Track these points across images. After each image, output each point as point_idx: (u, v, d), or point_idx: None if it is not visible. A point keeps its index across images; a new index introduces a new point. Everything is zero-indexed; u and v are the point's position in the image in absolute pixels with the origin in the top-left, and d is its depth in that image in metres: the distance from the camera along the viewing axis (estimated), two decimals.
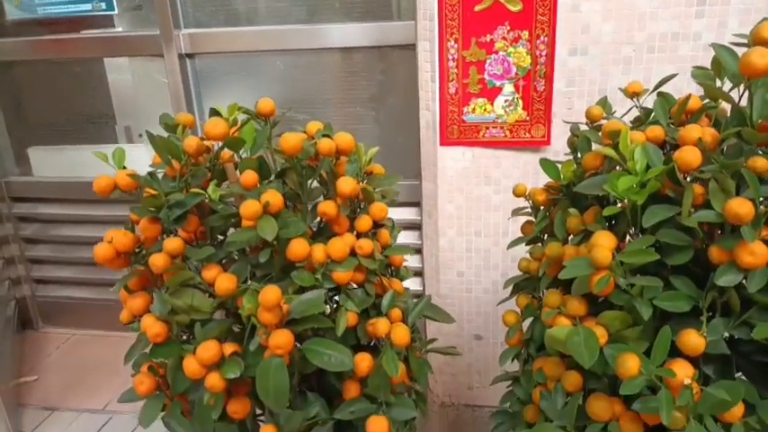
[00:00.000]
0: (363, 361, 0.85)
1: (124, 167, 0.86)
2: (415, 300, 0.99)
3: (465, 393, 1.73)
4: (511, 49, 1.36)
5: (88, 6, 2.10)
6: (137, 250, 0.87)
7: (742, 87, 0.72)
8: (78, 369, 2.28)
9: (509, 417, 1.06)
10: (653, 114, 0.82)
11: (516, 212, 0.98)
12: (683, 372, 0.67)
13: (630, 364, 0.68)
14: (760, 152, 0.70)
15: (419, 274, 1.81)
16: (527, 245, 0.98)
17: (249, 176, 0.79)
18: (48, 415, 2.02)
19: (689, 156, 0.68)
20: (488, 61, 1.38)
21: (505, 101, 1.42)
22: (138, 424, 1.84)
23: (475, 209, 1.54)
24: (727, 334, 0.72)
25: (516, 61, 1.37)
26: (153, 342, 0.80)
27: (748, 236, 0.64)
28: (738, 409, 0.70)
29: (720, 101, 0.78)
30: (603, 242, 0.72)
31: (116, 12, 2.11)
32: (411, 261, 1.98)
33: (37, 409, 2.05)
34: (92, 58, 2.21)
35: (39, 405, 2.07)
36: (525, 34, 1.34)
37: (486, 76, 1.40)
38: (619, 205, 0.74)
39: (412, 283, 1.78)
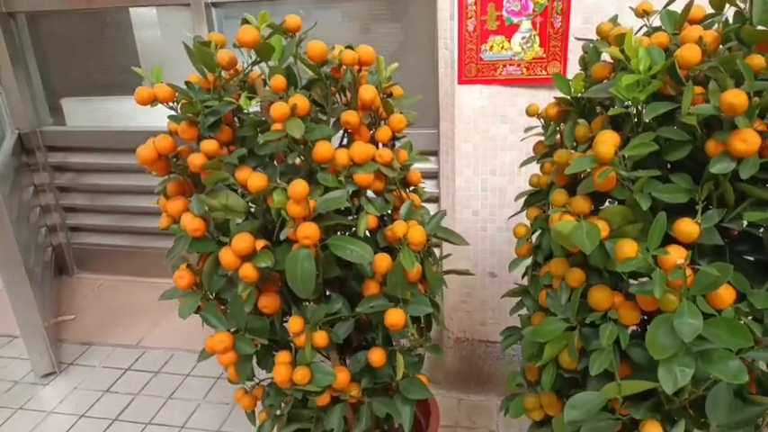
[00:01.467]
0: (383, 259, 0.92)
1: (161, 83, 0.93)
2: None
3: (479, 329, 1.80)
4: None
5: None
6: (174, 159, 0.94)
7: None
8: (111, 310, 2.41)
9: (516, 330, 1.13)
10: (660, 27, 0.86)
11: (528, 130, 1.03)
12: (676, 253, 0.72)
13: (627, 248, 0.74)
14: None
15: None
16: (538, 162, 1.03)
17: (278, 81, 0.85)
18: (85, 349, 2.15)
19: (689, 53, 0.72)
20: None
21: (523, 38, 1.45)
22: (168, 359, 1.95)
23: (491, 148, 1.59)
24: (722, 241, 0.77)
25: None
26: (192, 236, 0.88)
27: (741, 123, 0.68)
28: (729, 295, 0.75)
29: (725, 10, 0.81)
30: (607, 139, 0.77)
31: None
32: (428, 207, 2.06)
33: (75, 344, 2.19)
34: (120, 8, 2.28)
35: (77, 341, 2.21)
36: None
37: (504, 13, 1.44)
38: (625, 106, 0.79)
39: None
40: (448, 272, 1.21)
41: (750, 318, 0.78)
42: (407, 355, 1.15)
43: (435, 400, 1.31)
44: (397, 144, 1.09)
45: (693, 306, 0.72)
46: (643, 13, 0.95)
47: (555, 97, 0.95)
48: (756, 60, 0.72)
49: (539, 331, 0.89)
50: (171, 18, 2.21)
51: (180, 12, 2.16)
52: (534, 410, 1.03)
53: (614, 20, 0.95)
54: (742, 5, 0.77)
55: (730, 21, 0.80)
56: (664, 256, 0.72)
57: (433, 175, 2.00)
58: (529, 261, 1.07)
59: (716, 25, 0.81)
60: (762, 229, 0.78)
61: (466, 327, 1.81)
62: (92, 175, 2.59)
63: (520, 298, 1.10)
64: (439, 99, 1.65)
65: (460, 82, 1.54)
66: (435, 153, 1.92)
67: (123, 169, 2.49)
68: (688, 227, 0.74)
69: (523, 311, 1.09)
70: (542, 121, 1.01)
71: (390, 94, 1.04)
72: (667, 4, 0.90)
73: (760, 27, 0.74)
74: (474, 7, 1.44)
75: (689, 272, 0.73)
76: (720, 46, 0.78)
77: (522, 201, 1.06)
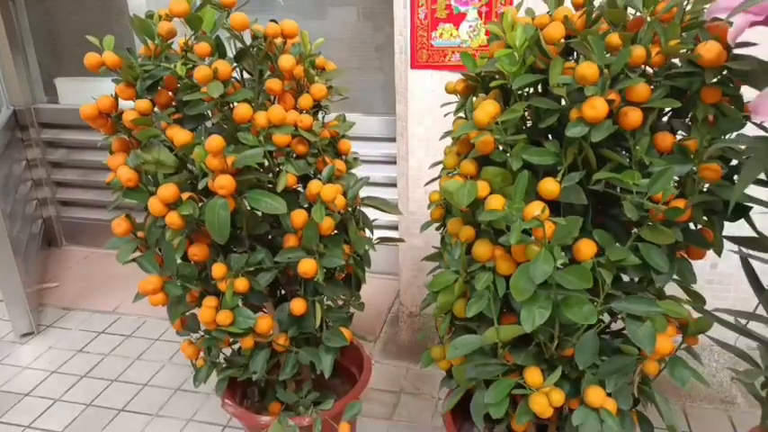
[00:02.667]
0: (299, 215, 1.02)
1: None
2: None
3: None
4: None
5: None
6: (118, 119, 1.05)
7: None
8: (94, 280, 2.53)
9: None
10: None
11: (444, 105, 1.13)
12: (536, 207, 0.81)
13: (495, 202, 0.84)
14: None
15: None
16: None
17: (202, 47, 0.95)
18: (65, 314, 2.27)
19: (552, 30, 0.82)
20: None
21: (470, 26, 1.54)
22: (141, 324, 2.06)
23: (441, 130, 1.68)
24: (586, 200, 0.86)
25: None
26: (125, 186, 0.98)
27: (590, 91, 0.78)
28: (589, 249, 0.85)
29: None
30: (485, 107, 0.86)
31: None
32: (389, 193, 2.16)
33: (56, 309, 2.31)
34: None
35: (58, 306, 2.33)
36: None
37: (452, 2, 1.53)
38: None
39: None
40: (381, 240, 1.31)
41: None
42: (338, 311, 1.25)
43: (369, 356, 1.41)
44: (331, 117, 1.19)
45: (549, 254, 0.81)
46: None
47: (461, 73, 1.04)
48: (613, 38, 0.81)
49: (433, 282, 0.98)
50: (160, 3, 2.32)
51: None
52: (441, 360, 1.13)
53: (520, 5, 1.04)
54: None
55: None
56: (525, 209, 0.82)
57: (393, 160, 2.09)
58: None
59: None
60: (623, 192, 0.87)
61: (419, 301, 1.90)
62: (83, 152, 2.71)
63: (437, 263, 1.20)
64: (395, 82, 1.75)
65: (413, 67, 1.63)
66: (394, 139, 2.01)
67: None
68: (549, 185, 0.83)
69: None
70: (457, 96, 1.11)
71: (322, 68, 1.14)
72: None
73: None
74: None
75: (550, 225, 0.82)
76: (593, 25, 0.87)
77: (438, 168, 1.15)
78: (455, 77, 1.59)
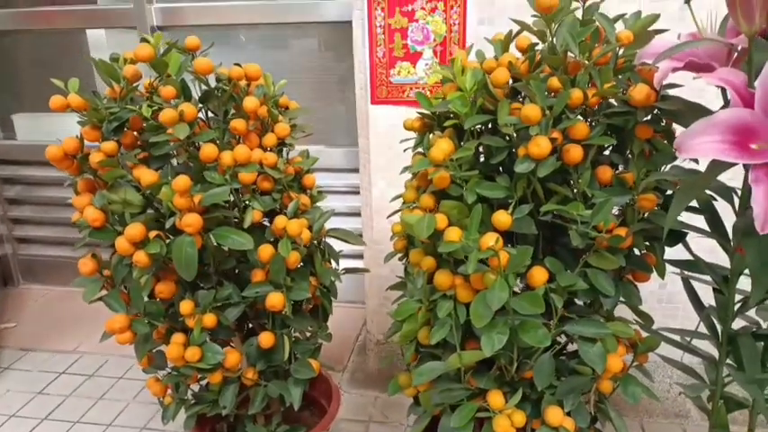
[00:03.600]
0: (266, 249, 1.05)
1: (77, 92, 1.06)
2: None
3: None
4: (429, 18, 1.57)
5: None
6: (82, 159, 1.06)
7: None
8: (53, 319, 2.47)
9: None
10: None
11: (402, 141, 1.18)
12: (490, 238, 0.87)
13: (452, 234, 0.89)
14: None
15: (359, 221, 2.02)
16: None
17: (168, 91, 0.98)
18: (23, 355, 2.21)
19: (498, 74, 0.89)
20: (410, 28, 1.59)
21: (426, 64, 1.62)
22: (103, 363, 2.03)
23: (403, 162, 1.73)
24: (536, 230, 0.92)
25: (434, 29, 1.58)
26: (92, 226, 1.00)
27: (534, 131, 0.84)
28: (542, 276, 0.90)
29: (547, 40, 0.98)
30: (440, 145, 0.92)
31: None
32: (354, 222, 2.21)
33: (14, 350, 2.24)
34: (73, 30, 2.40)
35: (16, 347, 2.26)
36: (441, 5, 1.55)
37: (408, 42, 1.61)
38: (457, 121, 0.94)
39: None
40: (347, 270, 1.35)
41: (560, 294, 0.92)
42: (305, 343, 1.27)
43: (337, 387, 1.43)
44: (294, 153, 1.23)
45: (504, 282, 0.86)
46: (497, 42, 1.11)
47: (417, 112, 1.10)
48: (553, 82, 0.88)
49: (397, 311, 1.02)
50: (119, 40, 2.34)
51: (127, 33, 2.29)
52: (407, 387, 1.16)
53: (470, 49, 1.11)
54: (551, 39, 0.93)
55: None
56: (481, 239, 0.87)
57: (357, 191, 2.14)
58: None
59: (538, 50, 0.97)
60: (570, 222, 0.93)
61: (385, 329, 1.93)
62: (40, 188, 2.67)
63: (402, 292, 1.24)
64: (357, 118, 1.81)
65: (373, 102, 1.70)
66: (357, 170, 2.07)
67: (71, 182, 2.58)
68: (502, 217, 0.89)
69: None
70: (415, 133, 1.16)
71: (286, 107, 1.19)
72: (512, 36, 1.07)
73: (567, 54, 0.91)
74: (383, 36, 1.61)
75: (504, 255, 0.88)
76: (536, 70, 0.95)
77: (399, 201, 1.20)
78: (413, 113, 1.67)
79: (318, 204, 1.24)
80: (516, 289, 0.89)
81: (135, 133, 1.07)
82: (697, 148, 0.69)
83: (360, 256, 2.19)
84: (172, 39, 2.25)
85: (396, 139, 1.72)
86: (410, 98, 1.66)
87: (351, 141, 2.27)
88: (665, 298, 1.74)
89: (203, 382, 1.27)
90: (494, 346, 0.87)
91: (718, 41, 0.76)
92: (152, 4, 2.18)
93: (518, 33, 0.98)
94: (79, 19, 2.35)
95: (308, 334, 1.29)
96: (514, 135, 0.92)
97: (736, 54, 0.78)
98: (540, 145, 0.84)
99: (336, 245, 1.31)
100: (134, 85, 1.05)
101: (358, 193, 2.11)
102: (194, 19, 2.17)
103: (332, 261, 1.28)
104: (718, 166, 0.75)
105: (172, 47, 1.02)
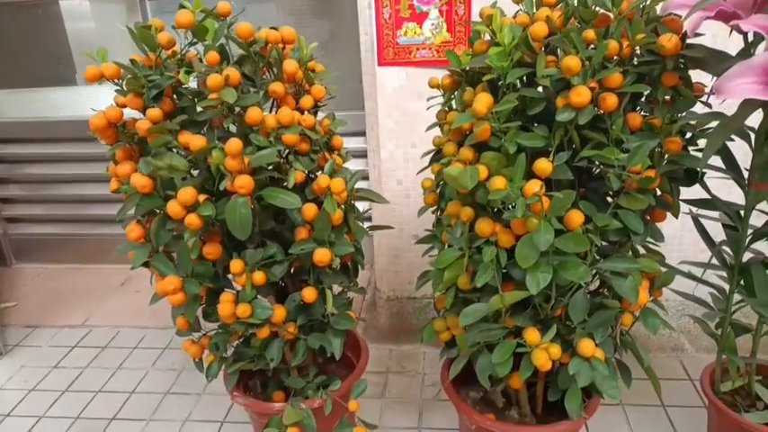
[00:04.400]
0: (310, 208, 1.10)
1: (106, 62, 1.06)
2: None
3: (407, 288, 2.00)
4: None
5: None
6: (122, 128, 1.08)
7: None
8: (54, 295, 2.46)
9: (428, 271, 1.33)
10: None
11: (430, 99, 1.23)
12: (534, 185, 0.93)
13: (498, 183, 0.95)
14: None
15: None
16: (439, 126, 1.23)
17: (213, 56, 1.00)
18: (30, 332, 2.21)
19: (537, 28, 0.93)
20: None
21: (432, 24, 1.65)
22: (115, 335, 2.05)
23: (410, 123, 1.78)
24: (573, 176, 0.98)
25: None
26: (141, 193, 1.02)
27: (575, 81, 0.90)
28: (579, 218, 0.97)
29: None
30: (481, 99, 0.97)
31: None
32: (361, 185, 2.24)
33: (19, 328, 2.23)
34: (50, 2, 2.32)
35: (20, 324, 2.25)
36: None
37: (414, 2, 1.63)
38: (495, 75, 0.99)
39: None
40: (372, 227, 1.40)
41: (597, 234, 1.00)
42: (338, 298, 1.33)
43: (365, 341, 1.50)
44: (321, 114, 1.26)
45: (549, 225, 0.93)
46: (518, 1, 1.15)
47: (448, 69, 1.14)
48: (589, 34, 0.93)
49: (439, 260, 1.09)
50: (104, 9, 2.28)
51: (113, 3, 2.23)
52: (443, 332, 1.24)
53: (494, 5, 1.15)
54: None
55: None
56: (525, 186, 0.93)
57: (364, 154, 2.18)
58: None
59: (561, 5, 1.02)
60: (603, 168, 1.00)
61: (395, 286, 2.01)
62: (27, 166, 2.61)
63: (431, 244, 1.30)
64: (363, 81, 1.83)
65: (380, 64, 1.72)
66: (364, 133, 2.09)
67: (59, 159, 2.54)
68: (543, 164, 0.95)
69: (433, 253, 1.29)
70: (441, 91, 1.21)
71: (313, 70, 1.21)
72: None
73: (595, 8, 0.97)
74: None
75: (546, 199, 0.94)
76: (568, 23, 1.00)
77: (428, 158, 1.25)
78: (420, 73, 1.71)
79: (346, 165, 1.28)
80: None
81: (169, 100, 1.09)
82: (736, 89, 0.76)
83: (368, 219, 2.24)
84: (160, 8, 2.22)
85: (404, 100, 1.76)
86: (417, 59, 1.69)
87: (355, 105, 2.27)
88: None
89: (239, 342, 1.32)
90: (539, 285, 0.95)
91: None
92: None
93: None
94: None
95: (340, 289, 1.35)
96: (549, 86, 0.97)
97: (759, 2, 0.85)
98: (582, 94, 0.90)
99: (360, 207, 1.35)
100: (168, 52, 1.06)
101: (364, 156, 2.14)
102: None
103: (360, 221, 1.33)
104: (749, 107, 0.83)
105: (208, 14, 1.03)
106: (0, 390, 1.86)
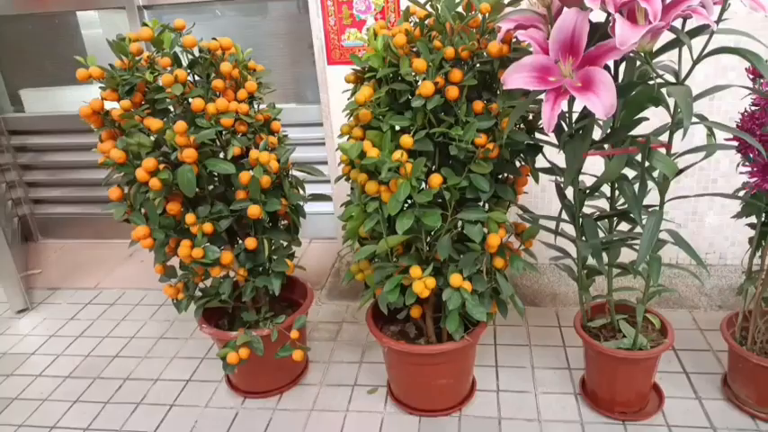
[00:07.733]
0: (245, 175, 1.45)
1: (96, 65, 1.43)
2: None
3: None
4: None
5: None
6: (105, 115, 1.44)
7: None
8: (73, 265, 2.87)
9: None
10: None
11: (344, 92, 1.57)
12: (398, 154, 1.26)
13: (372, 152, 1.28)
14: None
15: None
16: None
17: (165, 61, 1.36)
18: (51, 293, 2.62)
19: (397, 39, 1.26)
20: (355, 0, 1.94)
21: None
22: (121, 295, 2.43)
23: None
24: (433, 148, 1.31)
25: (374, 0, 1.93)
26: (117, 162, 1.38)
27: (421, 78, 1.23)
28: (437, 180, 1.30)
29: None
30: (363, 91, 1.30)
31: None
32: (324, 169, 2.58)
33: (43, 290, 2.65)
34: (68, 12, 2.72)
35: (44, 287, 2.67)
36: None
37: (354, 12, 1.96)
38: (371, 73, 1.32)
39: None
40: (313, 196, 1.75)
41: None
42: (283, 250, 1.68)
43: (312, 290, 1.85)
44: (264, 105, 1.61)
45: (408, 183, 1.26)
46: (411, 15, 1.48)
47: (351, 68, 1.48)
48: (437, 43, 1.26)
49: (344, 214, 1.43)
50: (110, 19, 2.66)
51: (117, 13, 2.62)
52: (357, 273, 1.58)
53: (405, 14, 1.48)
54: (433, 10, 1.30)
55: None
56: (392, 155, 1.26)
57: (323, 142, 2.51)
58: None
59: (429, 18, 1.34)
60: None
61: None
62: (50, 154, 3.02)
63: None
64: (317, 78, 2.17)
65: (329, 63, 2.06)
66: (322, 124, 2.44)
67: (77, 147, 2.94)
68: (405, 139, 1.28)
69: None
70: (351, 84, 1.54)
71: (253, 69, 1.56)
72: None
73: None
74: (333, 7, 1.96)
75: (409, 165, 1.27)
76: (430, 34, 1.32)
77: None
78: None
79: (287, 146, 1.62)
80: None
81: (140, 94, 1.45)
82: (514, 81, 1.08)
83: (330, 199, 2.58)
84: (156, 16, 2.59)
85: (349, 93, 2.09)
86: None
87: (317, 99, 2.63)
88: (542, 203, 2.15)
89: (207, 282, 1.68)
90: (403, 227, 1.28)
91: (532, 11, 1.14)
92: None
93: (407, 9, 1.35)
94: (72, 1, 2.66)
95: (285, 244, 1.70)
96: (413, 81, 1.30)
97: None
98: (427, 87, 1.23)
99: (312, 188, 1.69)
100: (138, 58, 1.42)
101: (322, 144, 2.48)
102: None
103: (299, 189, 1.68)
104: (532, 94, 1.15)
105: (165, 28, 1.38)
106: (27, 335, 2.27)
